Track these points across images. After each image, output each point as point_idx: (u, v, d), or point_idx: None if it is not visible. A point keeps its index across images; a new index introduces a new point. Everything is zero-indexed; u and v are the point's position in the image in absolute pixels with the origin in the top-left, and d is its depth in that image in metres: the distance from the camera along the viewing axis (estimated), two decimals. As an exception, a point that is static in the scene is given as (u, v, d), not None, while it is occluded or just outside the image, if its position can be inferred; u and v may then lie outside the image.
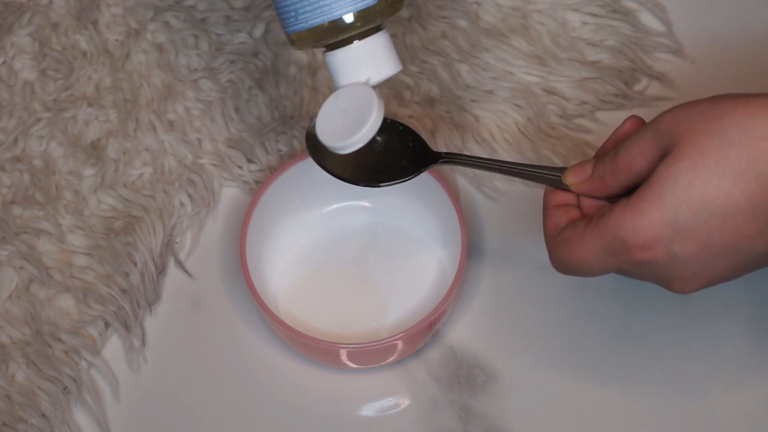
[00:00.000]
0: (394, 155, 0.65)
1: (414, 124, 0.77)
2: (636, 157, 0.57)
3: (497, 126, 0.78)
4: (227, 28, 0.81)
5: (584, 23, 0.81)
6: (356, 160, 0.64)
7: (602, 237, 0.57)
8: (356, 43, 0.62)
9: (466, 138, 0.77)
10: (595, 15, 0.81)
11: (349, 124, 0.62)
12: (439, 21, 0.81)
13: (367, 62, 0.62)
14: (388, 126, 0.65)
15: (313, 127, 0.63)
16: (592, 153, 0.76)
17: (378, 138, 0.63)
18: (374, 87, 0.63)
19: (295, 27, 0.62)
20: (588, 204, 0.61)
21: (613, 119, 0.78)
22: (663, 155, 0.56)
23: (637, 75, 0.79)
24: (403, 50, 0.80)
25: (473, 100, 0.78)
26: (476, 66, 0.79)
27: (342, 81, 0.63)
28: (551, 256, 0.61)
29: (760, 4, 0.81)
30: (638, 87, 0.79)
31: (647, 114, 0.77)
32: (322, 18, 0.61)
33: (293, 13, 0.62)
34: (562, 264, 0.60)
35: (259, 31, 0.81)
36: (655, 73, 0.79)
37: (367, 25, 0.62)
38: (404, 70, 0.79)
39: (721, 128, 0.54)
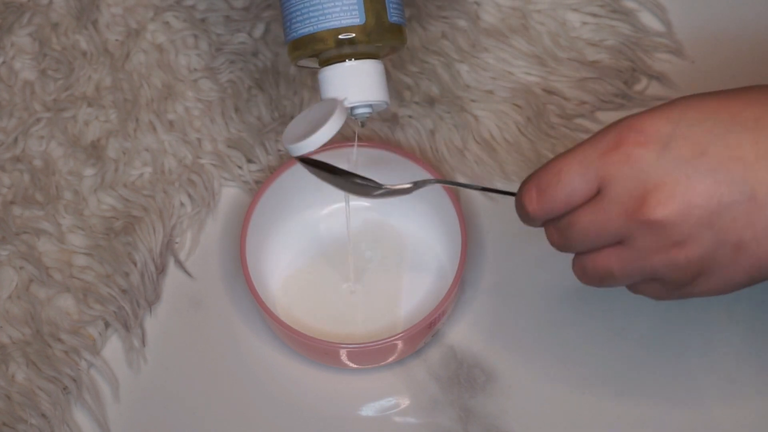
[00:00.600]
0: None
1: (414, 124, 0.77)
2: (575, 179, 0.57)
3: (497, 126, 0.78)
4: (227, 28, 0.81)
5: (584, 23, 0.81)
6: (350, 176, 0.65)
7: (595, 136, 0.55)
8: (348, 62, 0.64)
9: (466, 138, 0.77)
10: (595, 15, 0.81)
11: (307, 130, 0.63)
12: (439, 21, 0.81)
13: (351, 82, 0.64)
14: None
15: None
16: (592, 153, 0.76)
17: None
18: (362, 115, 0.64)
19: (288, 36, 0.64)
20: None
21: (613, 119, 0.77)
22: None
23: (637, 75, 0.79)
24: (403, 50, 0.80)
25: (473, 100, 0.78)
26: (476, 66, 0.79)
27: (325, 95, 0.64)
28: (522, 185, 0.58)
29: (760, 4, 0.81)
30: (638, 87, 0.79)
31: (647, 114, 0.78)
32: (309, 29, 0.63)
33: (288, 23, 0.64)
34: (535, 179, 0.57)
35: (258, 31, 0.81)
36: (655, 73, 0.79)
37: (354, 44, 0.63)
38: (404, 70, 0.79)
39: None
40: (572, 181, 0.56)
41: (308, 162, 0.64)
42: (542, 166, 0.58)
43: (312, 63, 0.65)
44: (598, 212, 0.56)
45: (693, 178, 0.53)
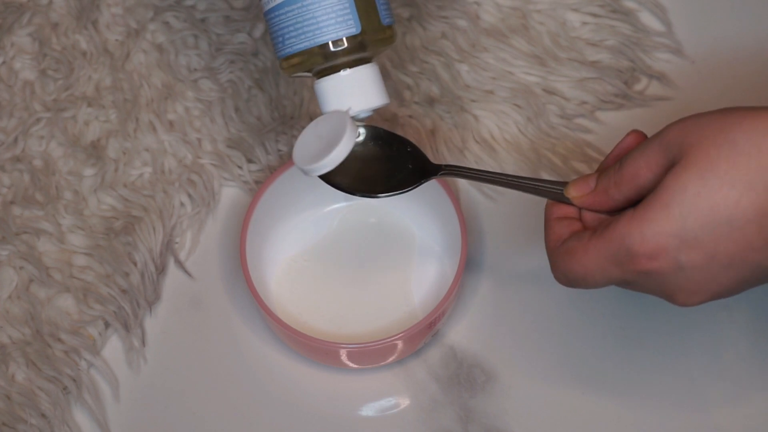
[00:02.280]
0: (393, 167, 0.66)
1: (414, 124, 0.77)
2: (642, 168, 0.57)
3: (497, 126, 0.78)
4: (227, 28, 0.81)
5: (584, 23, 0.81)
6: (356, 170, 0.64)
7: (608, 246, 0.57)
8: (343, 72, 0.63)
9: (466, 138, 0.77)
10: (595, 15, 0.81)
11: (321, 148, 0.63)
12: (439, 21, 0.81)
13: (352, 91, 0.64)
14: (388, 138, 0.65)
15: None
16: (592, 153, 0.76)
17: (371, 144, 0.64)
18: (358, 116, 0.64)
19: (283, 52, 0.64)
20: (590, 217, 0.61)
21: (613, 119, 0.78)
22: (670, 166, 0.56)
23: (637, 75, 0.79)
24: (403, 50, 0.80)
25: (473, 100, 0.78)
26: (476, 66, 0.79)
27: (326, 108, 0.64)
28: (553, 268, 0.60)
29: (760, 5, 0.81)
30: (638, 87, 0.79)
31: (647, 114, 0.78)
32: (306, 43, 0.63)
33: (281, 39, 0.63)
34: (564, 275, 0.59)
35: (258, 31, 0.81)
36: (655, 73, 0.79)
37: (351, 53, 0.63)
38: (404, 70, 0.79)
39: (730, 138, 0.54)
40: (598, 284, 0.59)
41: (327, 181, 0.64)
42: (565, 258, 0.59)
43: (305, 73, 0.65)
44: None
45: (713, 278, 0.56)
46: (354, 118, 0.64)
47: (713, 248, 0.55)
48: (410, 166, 0.66)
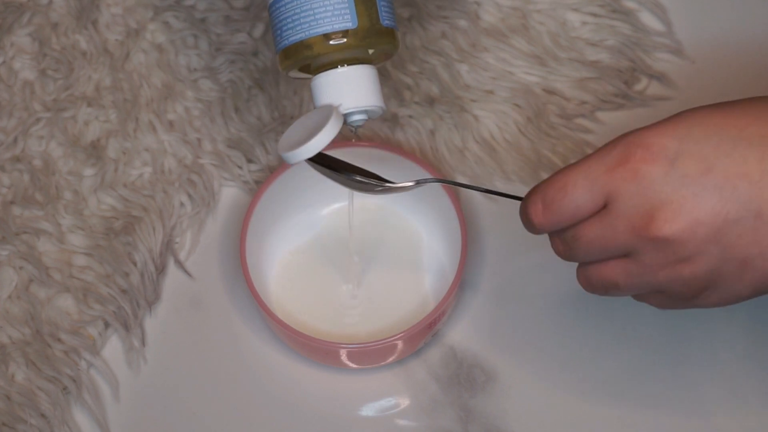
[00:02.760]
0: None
1: (414, 124, 0.77)
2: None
3: (497, 126, 0.78)
4: (227, 28, 0.81)
5: (584, 23, 0.81)
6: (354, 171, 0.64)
7: (601, 150, 0.55)
8: (340, 68, 0.63)
9: (466, 138, 0.77)
10: (595, 15, 0.81)
11: (303, 137, 0.62)
12: (439, 21, 0.81)
13: (346, 88, 0.63)
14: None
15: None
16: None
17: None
18: (355, 122, 0.64)
19: (280, 44, 0.64)
20: None
21: (613, 119, 0.78)
22: None
23: (637, 75, 0.79)
24: (403, 50, 0.80)
25: (473, 100, 0.78)
26: (476, 66, 0.79)
27: (318, 102, 0.64)
28: (526, 196, 0.58)
29: (760, 4, 0.81)
30: (638, 87, 0.79)
31: (647, 114, 0.78)
32: (301, 35, 0.62)
33: (279, 31, 0.63)
34: (542, 192, 0.57)
35: (258, 30, 0.81)
36: (655, 73, 0.79)
37: (346, 48, 0.62)
38: (404, 70, 0.79)
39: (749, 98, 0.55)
40: (578, 196, 0.56)
41: (313, 159, 0.63)
42: (548, 178, 0.58)
43: (305, 75, 0.65)
44: (604, 227, 0.56)
45: (700, 196, 0.54)
46: (347, 120, 0.63)
47: (711, 162, 0.53)
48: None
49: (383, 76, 0.79)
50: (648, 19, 0.81)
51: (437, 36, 0.80)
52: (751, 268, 0.55)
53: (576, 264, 0.61)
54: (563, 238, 0.59)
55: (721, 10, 0.81)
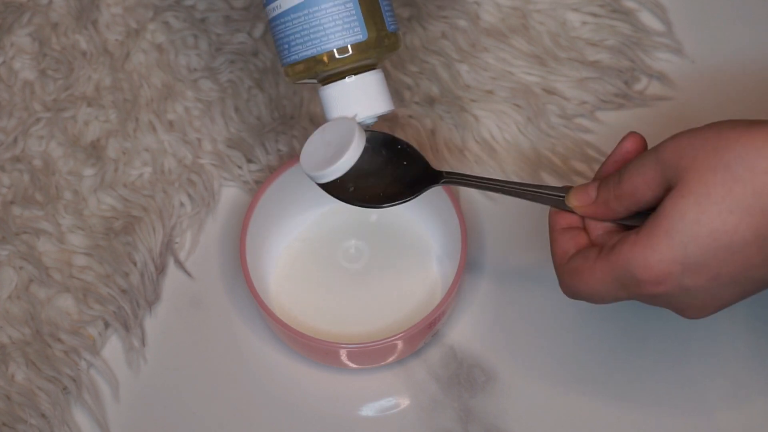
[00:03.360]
0: (394, 174, 0.65)
1: (414, 124, 0.77)
2: (640, 185, 0.58)
3: (497, 126, 0.78)
4: (227, 28, 0.81)
5: (584, 23, 0.81)
6: (357, 180, 0.64)
7: (613, 270, 0.58)
8: (349, 78, 0.63)
9: (466, 138, 0.77)
10: (595, 15, 0.81)
11: (329, 155, 0.63)
12: (439, 21, 0.81)
13: (358, 98, 0.64)
14: (389, 143, 0.65)
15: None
16: (592, 153, 0.76)
17: (374, 152, 0.64)
18: (363, 123, 0.64)
19: (288, 59, 0.64)
20: (595, 226, 0.61)
21: (613, 119, 0.78)
22: (667, 187, 0.57)
23: (637, 75, 0.79)
24: (403, 50, 0.80)
25: (473, 100, 0.78)
26: (476, 66, 0.79)
27: (331, 114, 0.64)
28: (561, 284, 0.61)
29: (760, 4, 0.81)
30: (638, 87, 0.79)
31: (647, 114, 0.78)
32: (313, 50, 0.63)
33: (286, 46, 0.63)
34: (572, 292, 0.61)
35: (258, 31, 0.81)
36: (655, 73, 0.79)
37: (358, 60, 0.63)
38: (404, 70, 0.79)
39: (724, 162, 0.55)
40: (606, 302, 0.60)
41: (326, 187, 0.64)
42: (573, 280, 0.60)
43: (310, 80, 0.65)
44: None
45: (717, 296, 0.57)
46: (361, 124, 0.64)
47: (716, 271, 0.56)
48: (411, 172, 0.66)
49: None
50: (648, 19, 0.81)
51: (437, 36, 0.80)
52: (747, 290, 0.58)
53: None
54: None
55: (721, 10, 0.81)
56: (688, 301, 0.58)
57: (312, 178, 0.63)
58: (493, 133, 0.78)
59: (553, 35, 0.80)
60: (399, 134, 0.77)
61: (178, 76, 0.79)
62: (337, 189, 0.64)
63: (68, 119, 0.78)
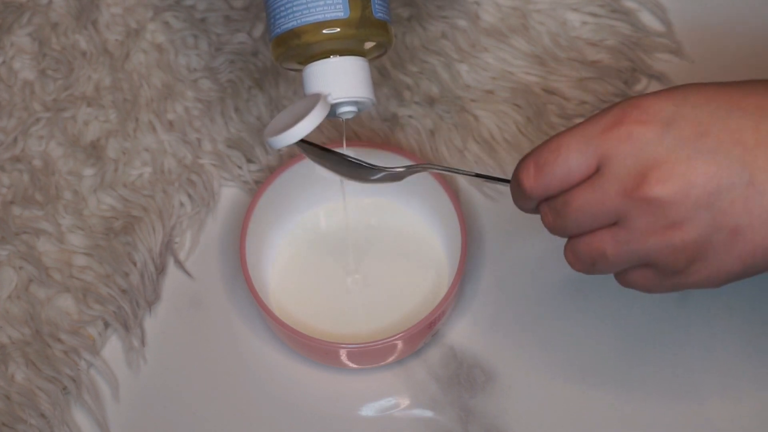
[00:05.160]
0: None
1: (414, 124, 0.77)
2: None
3: (497, 126, 0.78)
4: (227, 28, 0.81)
5: (584, 23, 0.81)
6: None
7: (596, 115, 0.55)
8: (332, 58, 0.63)
9: (466, 138, 0.77)
10: (595, 15, 0.81)
11: (288, 123, 0.62)
12: (439, 21, 0.81)
13: (335, 78, 0.63)
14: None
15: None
16: (592, 153, 0.76)
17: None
18: (343, 113, 0.63)
19: (273, 33, 0.63)
20: None
21: (613, 119, 0.78)
22: None
23: (637, 75, 0.79)
24: (403, 50, 0.80)
25: (473, 100, 0.78)
26: (476, 66, 0.79)
27: (308, 91, 0.64)
28: (520, 162, 0.58)
29: (760, 4, 0.81)
30: (638, 87, 0.79)
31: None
32: (293, 23, 0.62)
33: (272, 20, 0.63)
34: (534, 158, 0.57)
35: (258, 30, 0.81)
36: (655, 73, 0.79)
37: (338, 40, 0.62)
38: (404, 70, 0.79)
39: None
40: (571, 158, 0.56)
41: (303, 142, 0.63)
42: (542, 143, 0.57)
43: (298, 66, 0.65)
44: (595, 190, 0.56)
45: (693, 158, 0.53)
46: (337, 112, 0.63)
47: (705, 126, 0.53)
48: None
49: (383, 76, 0.79)
50: (648, 19, 0.81)
51: (437, 36, 0.80)
52: (741, 238, 0.54)
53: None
54: (553, 207, 0.58)
55: (721, 11, 0.81)
56: (661, 154, 0.53)
57: (269, 144, 0.63)
58: (493, 133, 0.78)
59: (553, 35, 0.80)
60: (399, 134, 0.77)
61: (178, 76, 0.79)
62: (326, 156, 0.64)
63: (68, 119, 0.78)
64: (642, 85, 0.79)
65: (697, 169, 0.53)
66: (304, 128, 0.61)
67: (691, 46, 0.80)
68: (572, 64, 0.79)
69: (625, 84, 0.79)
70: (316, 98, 0.62)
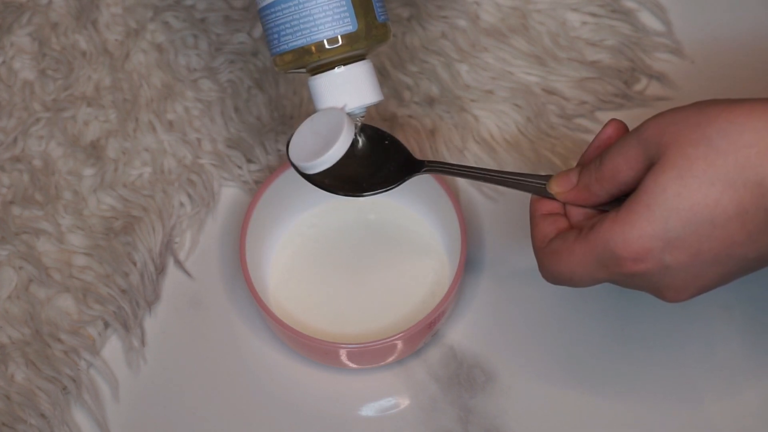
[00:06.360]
0: (377, 164, 0.65)
1: (414, 124, 0.77)
2: (621, 166, 0.57)
3: (497, 126, 0.78)
4: (227, 28, 0.81)
5: (584, 23, 0.81)
6: (339, 169, 0.64)
7: (592, 249, 0.57)
8: (338, 69, 0.63)
9: (466, 138, 0.77)
10: (595, 15, 0.81)
11: (318, 146, 0.63)
12: (439, 21, 0.81)
13: (347, 88, 0.63)
14: (371, 134, 0.65)
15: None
16: (592, 153, 0.76)
17: (360, 143, 0.64)
18: (353, 113, 0.63)
19: (278, 49, 0.63)
20: (575, 212, 0.61)
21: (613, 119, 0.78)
22: (649, 164, 0.56)
23: (637, 75, 0.79)
24: (403, 50, 0.80)
25: (473, 100, 0.78)
26: (476, 66, 0.79)
27: (320, 105, 0.64)
28: (541, 267, 0.61)
29: (760, 4, 0.81)
30: (638, 87, 0.79)
31: (647, 114, 0.77)
32: (303, 41, 0.62)
33: (276, 36, 0.63)
34: (551, 275, 0.60)
35: (258, 30, 0.81)
36: (655, 73, 0.79)
37: (347, 51, 0.62)
38: (404, 70, 0.79)
39: (706, 136, 0.54)
40: (585, 285, 0.60)
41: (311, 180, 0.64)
42: (552, 260, 0.60)
43: (297, 71, 0.65)
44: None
45: (699, 275, 0.56)
46: (351, 115, 0.64)
47: (697, 247, 0.55)
48: (394, 162, 0.66)
49: (383, 76, 0.79)
50: (648, 19, 0.81)
51: (437, 36, 0.80)
52: (729, 271, 0.57)
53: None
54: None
55: (720, 10, 0.81)
56: (669, 281, 0.56)
57: (300, 169, 0.63)
58: (493, 133, 0.78)
59: (553, 35, 0.80)
60: (399, 134, 0.77)
61: (178, 76, 0.79)
62: (320, 177, 0.63)
63: (68, 119, 0.78)
64: (642, 84, 0.79)
65: (705, 279, 0.57)
66: (338, 151, 0.62)
67: (691, 46, 0.80)
68: (572, 64, 0.79)
69: (625, 84, 0.79)
70: (339, 116, 0.63)
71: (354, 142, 0.64)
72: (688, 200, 0.54)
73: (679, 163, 0.54)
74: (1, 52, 0.80)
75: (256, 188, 0.76)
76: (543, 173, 0.64)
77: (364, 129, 0.65)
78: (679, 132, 0.55)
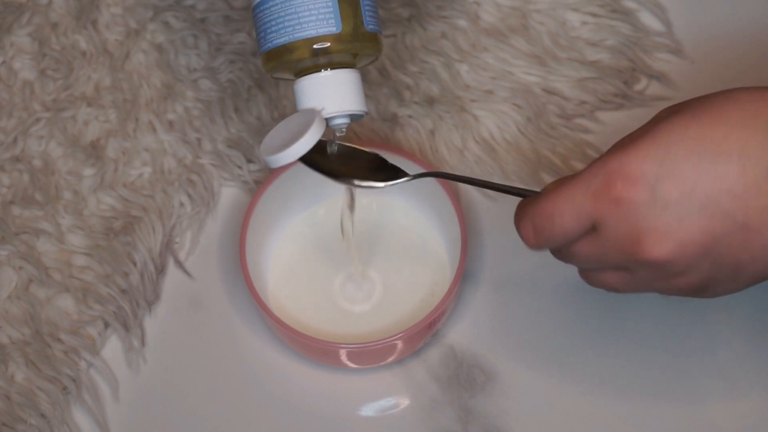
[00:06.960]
0: (373, 171, 0.66)
1: (414, 124, 0.77)
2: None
3: (497, 126, 0.78)
4: (227, 28, 0.81)
5: (584, 23, 0.81)
6: (338, 164, 0.64)
7: (585, 175, 0.56)
8: (324, 72, 0.63)
9: (466, 138, 0.77)
10: (595, 15, 0.81)
11: (285, 141, 0.62)
12: (439, 21, 0.81)
13: (327, 93, 0.63)
14: (357, 155, 0.65)
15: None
16: (592, 153, 0.76)
17: (336, 150, 0.65)
18: (334, 124, 0.63)
19: (264, 47, 0.63)
20: None
21: (613, 119, 0.78)
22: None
23: (637, 75, 0.79)
24: (403, 50, 0.80)
25: (473, 100, 0.78)
26: (476, 66, 0.79)
27: (300, 106, 0.64)
28: (518, 217, 0.59)
29: (760, 4, 0.81)
30: (638, 87, 0.79)
31: (647, 114, 0.77)
32: (285, 38, 0.62)
33: (263, 34, 0.63)
34: (531, 218, 0.58)
35: (258, 31, 0.81)
36: (655, 73, 0.79)
37: (330, 54, 0.62)
38: (404, 70, 0.79)
39: (722, 93, 0.55)
40: (566, 223, 0.57)
41: (305, 161, 0.63)
42: (535, 202, 0.58)
43: (288, 75, 0.64)
44: (596, 247, 0.57)
45: (684, 218, 0.54)
46: (329, 124, 0.63)
47: (692, 183, 0.53)
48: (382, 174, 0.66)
49: (383, 76, 0.79)
50: (648, 19, 0.81)
51: (437, 36, 0.80)
52: (744, 271, 0.56)
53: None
54: (560, 252, 0.60)
55: (721, 10, 0.81)
56: (652, 219, 0.54)
57: (266, 163, 0.63)
58: (493, 133, 0.78)
59: (553, 35, 0.80)
60: (399, 134, 0.77)
61: (177, 76, 0.79)
62: (321, 164, 0.64)
63: (68, 119, 0.78)
64: (642, 84, 0.79)
65: (689, 228, 0.54)
66: (301, 147, 0.62)
67: (691, 46, 0.80)
68: (572, 64, 0.79)
69: (625, 84, 0.79)
70: (312, 115, 0.62)
71: (327, 146, 0.64)
72: (696, 131, 0.53)
73: (693, 105, 0.54)
74: (1, 52, 0.80)
75: (256, 188, 0.76)
76: (534, 189, 0.64)
77: (350, 149, 0.65)
78: (690, 101, 0.56)
